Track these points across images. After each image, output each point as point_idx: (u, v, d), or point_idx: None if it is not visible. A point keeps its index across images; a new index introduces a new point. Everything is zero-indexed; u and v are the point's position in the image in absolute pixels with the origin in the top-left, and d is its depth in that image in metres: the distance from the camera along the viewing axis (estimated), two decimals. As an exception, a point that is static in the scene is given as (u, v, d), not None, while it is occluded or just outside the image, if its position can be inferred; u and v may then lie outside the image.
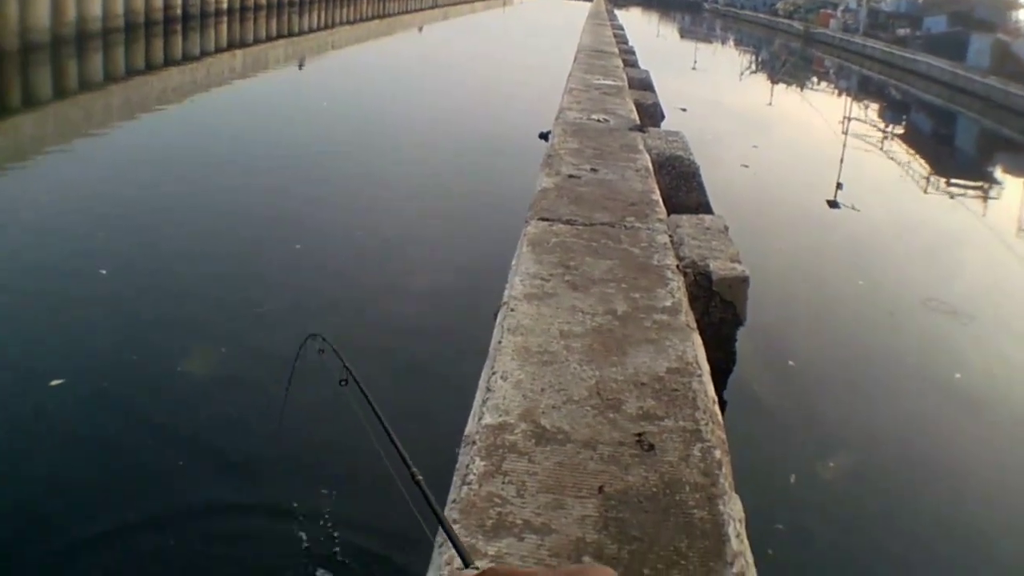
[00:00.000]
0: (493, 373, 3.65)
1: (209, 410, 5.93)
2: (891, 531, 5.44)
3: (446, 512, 2.78)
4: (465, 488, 2.89)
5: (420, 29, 49.16)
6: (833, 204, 11.90)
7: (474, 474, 2.96)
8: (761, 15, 68.41)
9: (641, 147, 7.76)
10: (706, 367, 4.06)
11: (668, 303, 4.59)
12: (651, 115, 10.31)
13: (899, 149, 20.03)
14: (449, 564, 2.46)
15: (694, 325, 4.45)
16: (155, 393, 6.13)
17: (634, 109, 9.78)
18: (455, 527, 2.69)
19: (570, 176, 6.54)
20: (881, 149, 19.57)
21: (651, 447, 3.31)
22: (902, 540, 5.41)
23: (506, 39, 45.78)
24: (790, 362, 7.11)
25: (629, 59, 17.10)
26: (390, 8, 55.93)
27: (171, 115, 17.50)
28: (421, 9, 61.59)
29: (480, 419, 3.30)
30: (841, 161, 14.89)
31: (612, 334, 4.17)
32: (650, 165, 7.25)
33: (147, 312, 7.36)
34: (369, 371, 2.59)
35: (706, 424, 3.52)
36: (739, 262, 5.72)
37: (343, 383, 2.47)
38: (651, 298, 4.63)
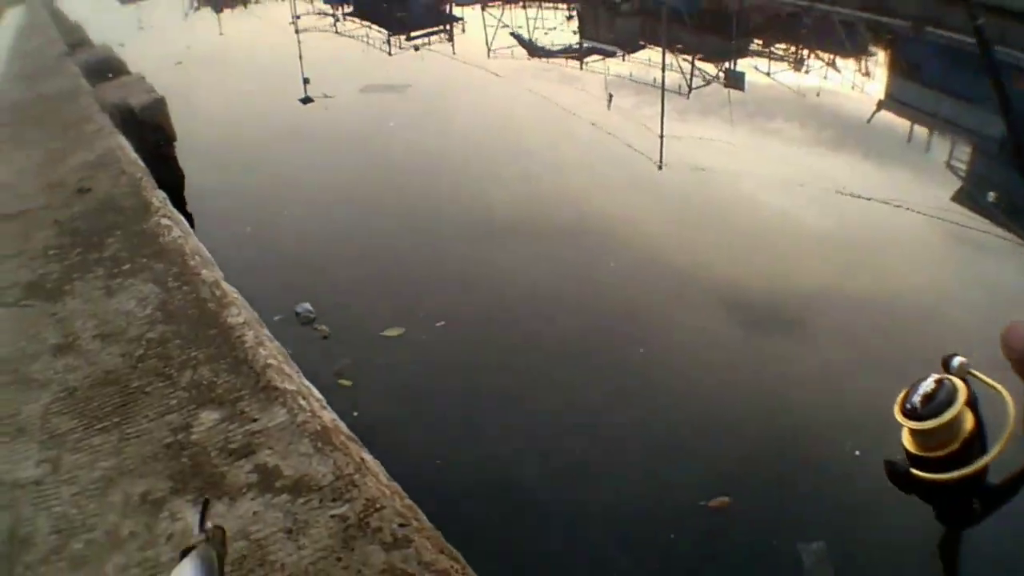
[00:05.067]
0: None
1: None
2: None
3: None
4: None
5: None
6: (306, 100, 11.76)
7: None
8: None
9: (70, 64, 8.84)
10: (127, 148, 5.49)
11: (95, 128, 5.95)
12: (80, 44, 11.15)
13: (355, 26, 20.29)
14: None
15: (117, 132, 5.84)
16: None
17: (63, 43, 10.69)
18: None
19: (14, 102, 7.55)
20: (339, 33, 19.71)
21: (89, 190, 4.73)
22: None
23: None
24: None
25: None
26: None
27: None
28: None
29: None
30: (300, 58, 14.83)
31: (55, 154, 5.50)
32: (79, 71, 8.35)
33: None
34: None
35: (128, 166, 5.02)
36: (155, 92, 7.13)
37: None
38: (82, 131, 5.96)
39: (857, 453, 3.71)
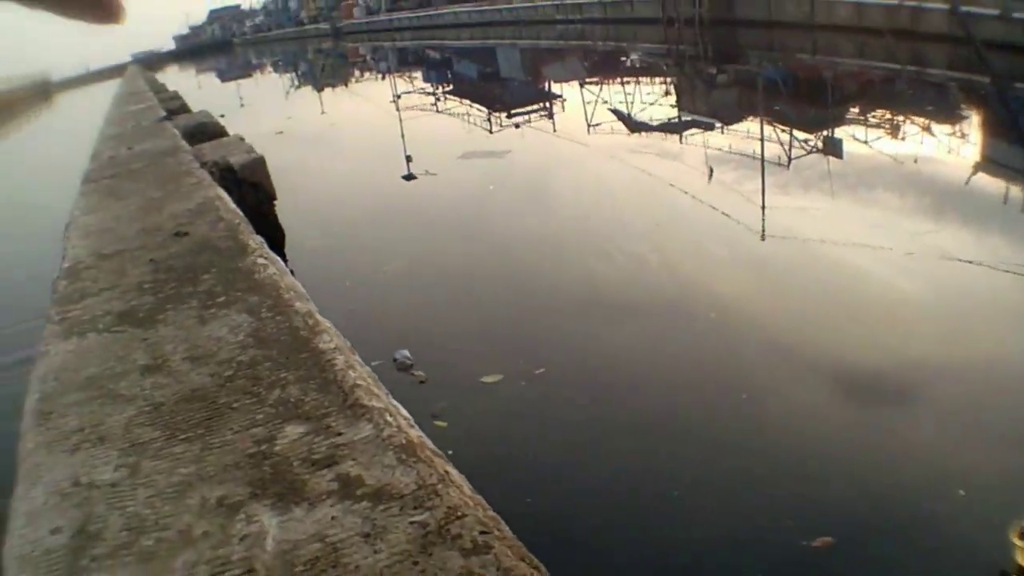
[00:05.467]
0: (69, 249, 4.96)
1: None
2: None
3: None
4: (63, 283, 4.24)
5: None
6: (409, 177, 11.68)
7: (63, 280, 4.31)
8: (289, 30, 70.11)
9: (169, 126, 9.17)
10: (226, 198, 5.58)
11: (193, 181, 6.07)
12: (178, 110, 11.68)
13: (455, 104, 20.46)
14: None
15: (215, 185, 5.96)
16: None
17: (162, 110, 11.16)
18: (55, 310, 4.02)
19: (111, 157, 7.84)
20: (438, 111, 19.87)
21: (186, 234, 4.80)
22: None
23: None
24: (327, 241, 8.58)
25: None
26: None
27: None
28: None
29: (63, 264, 4.63)
30: (403, 136, 14.86)
31: (153, 203, 5.60)
32: (178, 132, 8.66)
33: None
34: None
35: (226, 213, 5.06)
36: (255, 152, 7.29)
37: None
38: (180, 184, 6.09)
39: (962, 492, 3.54)
